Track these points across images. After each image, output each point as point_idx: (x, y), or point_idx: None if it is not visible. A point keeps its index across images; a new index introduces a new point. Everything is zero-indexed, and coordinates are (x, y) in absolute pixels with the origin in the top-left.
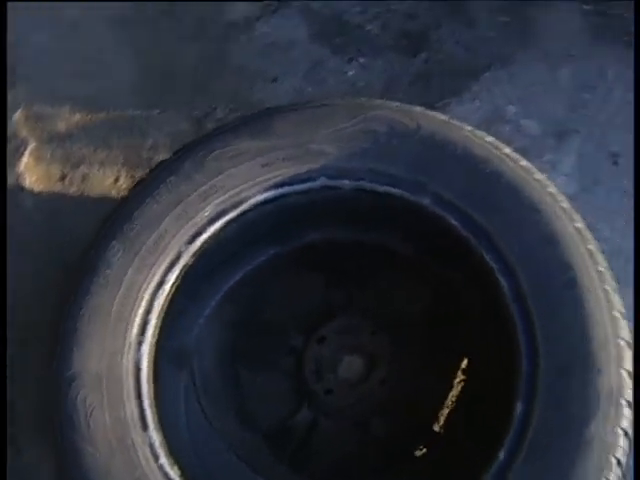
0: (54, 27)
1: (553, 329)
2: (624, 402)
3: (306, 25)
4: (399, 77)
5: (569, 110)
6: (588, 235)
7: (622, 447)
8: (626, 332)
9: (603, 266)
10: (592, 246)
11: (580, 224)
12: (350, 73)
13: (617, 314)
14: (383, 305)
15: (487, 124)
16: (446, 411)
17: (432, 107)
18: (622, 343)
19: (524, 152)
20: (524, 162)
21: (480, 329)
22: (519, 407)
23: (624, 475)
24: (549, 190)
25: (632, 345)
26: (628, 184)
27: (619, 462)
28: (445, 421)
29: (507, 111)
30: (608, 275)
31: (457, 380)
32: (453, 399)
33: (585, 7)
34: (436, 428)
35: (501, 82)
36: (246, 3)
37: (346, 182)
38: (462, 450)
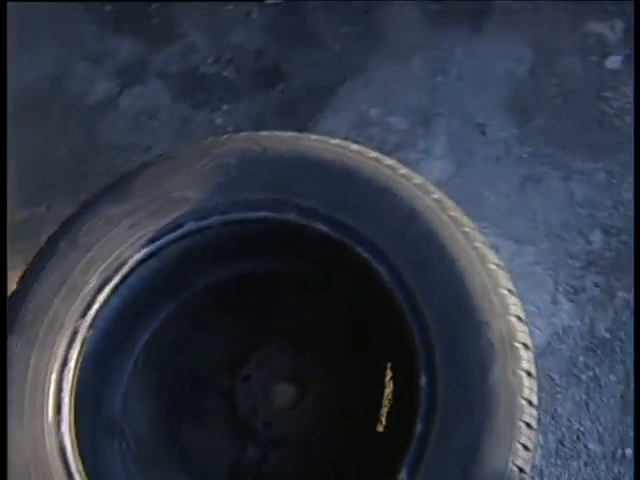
0: None
1: (434, 297)
2: (519, 345)
3: (166, 88)
4: (264, 112)
5: (429, 96)
6: (449, 203)
7: (528, 387)
8: (506, 281)
9: (470, 227)
10: (454, 212)
11: (437, 195)
12: (217, 121)
13: (492, 266)
14: (294, 326)
15: (357, 131)
16: (385, 410)
17: (304, 130)
18: (504, 292)
19: (398, 147)
20: (373, 153)
21: (385, 323)
22: (423, 380)
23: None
24: (401, 172)
25: (514, 291)
26: (499, 149)
27: (530, 402)
28: (386, 420)
29: (371, 114)
30: (476, 234)
31: (387, 378)
32: (389, 397)
33: None
34: (380, 429)
35: (359, 89)
36: (104, 81)
37: (213, 219)
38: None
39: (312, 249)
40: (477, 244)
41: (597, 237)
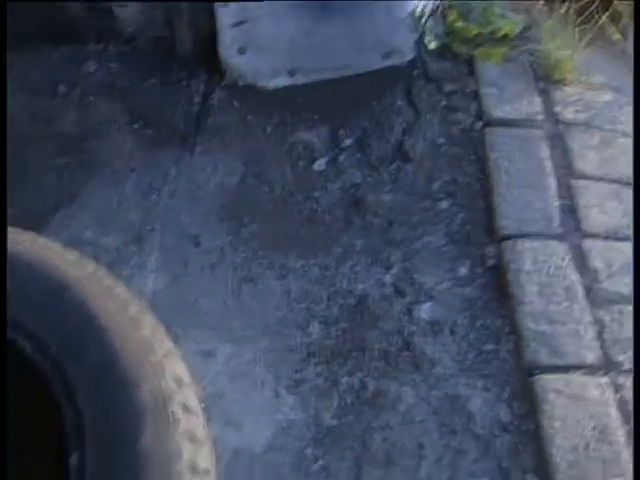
0: None
1: (83, 369)
2: (177, 408)
3: None
4: None
5: (142, 215)
6: (102, 274)
7: (190, 452)
8: (165, 345)
9: (125, 295)
10: (109, 282)
11: (92, 268)
12: None
13: (147, 332)
14: None
15: None
16: None
17: None
18: (159, 357)
19: (111, 264)
20: (25, 236)
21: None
22: (74, 458)
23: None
24: (54, 250)
25: (174, 354)
26: (214, 257)
27: (194, 469)
28: None
29: (85, 236)
30: (132, 301)
31: None
32: None
33: (135, 125)
34: None
35: (74, 214)
36: None
37: None
38: None
39: None
40: (131, 312)
41: (315, 328)
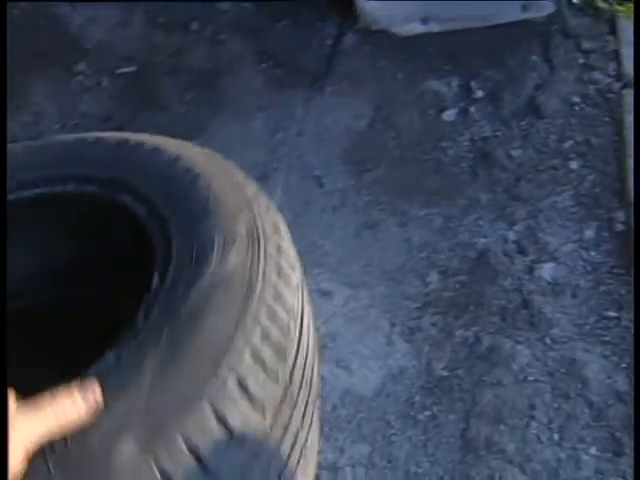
0: None
1: (177, 206)
2: (272, 248)
3: None
4: None
5: (268, 153)
6: (204, 151)
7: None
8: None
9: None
10: (221, 159)
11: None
12: None
13: (250, 193)
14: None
15: None
16: None
17: None
18: (250, 193)
19: None
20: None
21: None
22: (155, 279)
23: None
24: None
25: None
26: (336, 199)
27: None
28: None
29: None
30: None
31: None
32: None
33: (265, 65)
34: None
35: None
36: None
37: None
38: None
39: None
40: (247, 192)
41: (434, 278)
